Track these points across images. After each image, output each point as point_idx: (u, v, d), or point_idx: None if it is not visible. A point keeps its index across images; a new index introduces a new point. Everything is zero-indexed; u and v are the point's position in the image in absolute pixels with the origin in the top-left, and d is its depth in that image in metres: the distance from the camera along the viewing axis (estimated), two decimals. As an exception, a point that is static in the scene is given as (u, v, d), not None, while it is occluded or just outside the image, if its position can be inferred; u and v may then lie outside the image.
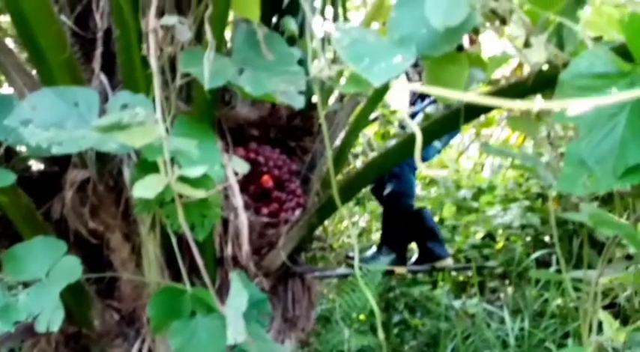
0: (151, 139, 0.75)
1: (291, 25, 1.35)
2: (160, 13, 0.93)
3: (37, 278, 0.99)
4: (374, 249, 2.91)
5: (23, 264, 1.02)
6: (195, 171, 0.76)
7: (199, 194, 0.79)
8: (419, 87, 0.51)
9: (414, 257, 2.95)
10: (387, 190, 2.74)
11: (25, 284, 1.09)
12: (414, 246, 3.04)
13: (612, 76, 0.67)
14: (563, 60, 0.78)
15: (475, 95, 0.41)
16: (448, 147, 4.54)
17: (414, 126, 0.49)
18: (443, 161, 4.37)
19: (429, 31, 0.77)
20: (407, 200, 2.76)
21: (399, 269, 2.73)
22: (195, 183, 0.82)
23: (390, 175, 2.69)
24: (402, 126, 3.08)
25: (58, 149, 0.81)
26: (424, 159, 2.77)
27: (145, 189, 0.74)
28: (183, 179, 0.80)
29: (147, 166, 0.85)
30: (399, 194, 2.71)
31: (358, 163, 3.65)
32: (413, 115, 2.63)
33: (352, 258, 2.70)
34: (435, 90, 0.43)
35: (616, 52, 0.69)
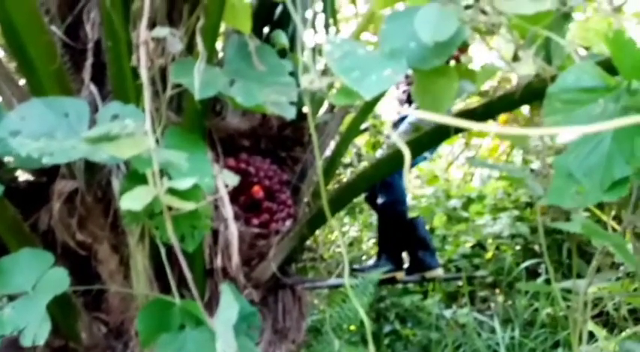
0: (140, 150, 0.75)
1: (282, 38, 1.36)
2: (152, 25, 0.93)
3: (24, 290, 0.98)
4: (374, 259, 2.93)
5: (9, 277, 1.00)
6: (184, 184, 0.75)
7: (188, 206, 0.79)
8: (407, 109, 0.51)
9: (405, 266, 2.96)
10: (380, 200, 2.77)
11: (11, 297, 1.07)
12: (405, 254, 3.05)
13: (599, 90, 0.68)
14: (551, 73, 0.79)
15: (450, 118, 0.41)
16: (437, 156, 4.57)
17: (402, 145, 0.49)
18: (432, 171, 4.40)
19: (419, 44, 0.78)
20: (400, 207, 2.80)
21: (399, 275, 2.76)
22: (185, 194, 0.81)
23: (382, 185, 2.72)
24: (393, 136, 3.10)
25: (49, 159, 0.80)
26: (411, 165, 2.79)
27: (132, 200, 0.74)
28: (172, 190, 0.79)
29: (136, 177, 0.84)
30: (392, 202, 2.75)
31: (348, 173, 3.66)
32: (401, 120, 2.64)
33: (357, 270, 2.72)
34: (417, 113, 0.43)
35: (602, 66, 0.70)
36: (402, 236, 2.82)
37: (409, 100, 2.74)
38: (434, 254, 2.91)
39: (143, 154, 0.74)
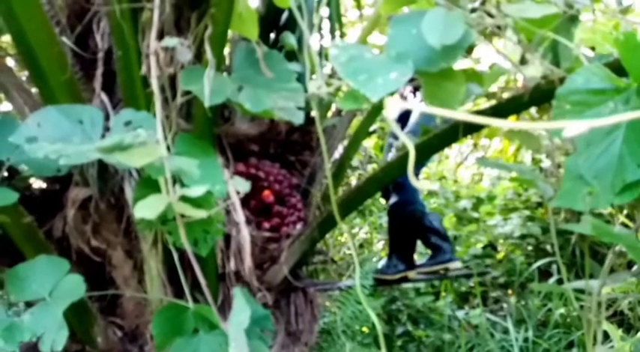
0: (152, 159, 0.76)
1: (291, 39, 1.36)
2: (160, 34, 0.94)
3: (41, 297, 1.00)
4: (384, 260, 2.91)
5: (26, 284, 1.02)
6: (196, 191, 0.76)
7: (200, 214, 0.80)
8: (417, 105, 0.51)
9: (419, 261, 2.92)
10: (392, 200, 2.75)
11: (28, 303, 1.08)
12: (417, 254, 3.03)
13: (608, 91, 0.68)
14: (559, 75, 0.79)
15: (467, 114, 0.42)
16: (445, 157, 4.55)
17: (408, 142, 0.50)
18: (441, 172, 4.38)
19: (425, 47, 0.78)
20: (411, 207, 2.78)
21: (411, 274, 2.73)
22: (197, 200, 0.82)
23: (395, 185, 2.71)
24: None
25: (67, 160, 0.81)
26: (424, 163, 2.79)
27: (146, 209, 0.75)
28: (185, 197, 0.80)
29: (149, 184, 0.86)
30: (403, 202, 2.73)
31: (357, 176, 3.66)
32: (403, 116, 2.62)
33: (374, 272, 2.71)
34: (433, 110, 0.44)
35: (610, 67, 0.70)
36: (413, 236, 2.80)
37: (414, 93, 2.72)
38: (453, 247, 2.88)
39: (156, 162, 0.75)
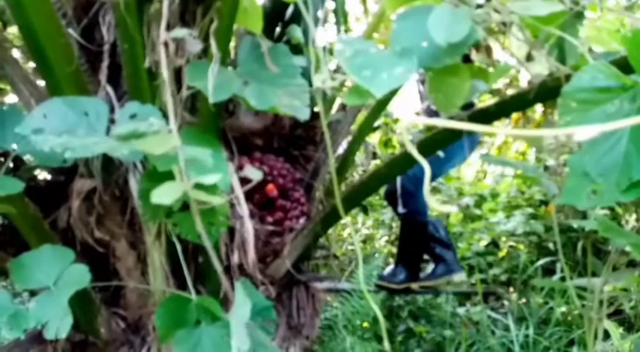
0: (168, 148, 0.76)
1: (297, 33, 1.36)
2: (166, 26, 0.94)
3: (45, 286, 1.01)
4: (391, 266, 2.91)
5: (31, 273, 1.03)
6: (210, 179, 0.77)
7: (216, 200, 0.80)
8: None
9: (427, 270, 2.92)
10: (403, 210, 2.72)
11: (32, 293, 1.09)
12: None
13: (614, 89, 0.67)
14: (565, 72, 0.79)
15: (456, 123, 0.42)
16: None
17: (412, 148, 0.50)
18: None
19: (430, 43, 0.78)
20: (422, 217, 2.75)
21: (415, 286, 2.74)
22: (205, 191, 0.82)
23: (404, 193, 2.67)
24: (407, 135, 3.07)
25: (72, 154, 0.82)
26: (438, 174, 2.73)
27: (162, 195, 0.75)
28: (197, 186, 0.80)
29: (155, 176, 0.86)
30: (415, 212, 2.70)
31: (360, 171, 3.66)
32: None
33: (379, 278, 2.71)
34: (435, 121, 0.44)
35: (617, 65, 0.70)
36: (420, 247, 2.78)
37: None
38: (456, 256, 2.87)
39: (169, 152, 0.75)
